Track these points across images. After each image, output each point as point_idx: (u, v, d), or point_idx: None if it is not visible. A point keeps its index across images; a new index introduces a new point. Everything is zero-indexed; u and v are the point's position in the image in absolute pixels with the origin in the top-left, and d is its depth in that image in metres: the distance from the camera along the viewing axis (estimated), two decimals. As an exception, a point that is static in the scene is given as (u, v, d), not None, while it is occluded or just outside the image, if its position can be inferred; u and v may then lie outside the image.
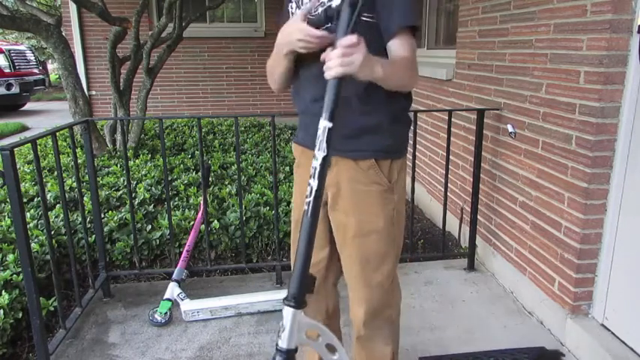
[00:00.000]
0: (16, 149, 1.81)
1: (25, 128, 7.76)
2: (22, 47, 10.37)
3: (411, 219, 2.85)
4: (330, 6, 1.29)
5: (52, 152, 3.65)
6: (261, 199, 3.03)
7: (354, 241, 1.43)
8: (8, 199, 1.84)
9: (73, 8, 6.39)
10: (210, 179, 3.24)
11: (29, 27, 3.43)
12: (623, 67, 1.84)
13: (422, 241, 3.23)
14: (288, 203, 3.03)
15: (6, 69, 9.11)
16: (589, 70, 1.92)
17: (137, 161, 3.70)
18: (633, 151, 1.85)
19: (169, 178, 3.32)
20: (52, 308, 2.19)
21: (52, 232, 2.48)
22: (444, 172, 2.79)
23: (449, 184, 3.04)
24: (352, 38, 1.06)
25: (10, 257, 2.31)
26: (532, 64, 2.30)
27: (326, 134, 1.08)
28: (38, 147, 2.14)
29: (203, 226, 2.61)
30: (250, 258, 2.83)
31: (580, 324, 2.05)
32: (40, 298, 1.97)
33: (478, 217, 2.81)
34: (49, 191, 3.04)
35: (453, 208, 3.26)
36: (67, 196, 2.77)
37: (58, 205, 2.91)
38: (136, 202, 2.93)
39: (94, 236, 2.58)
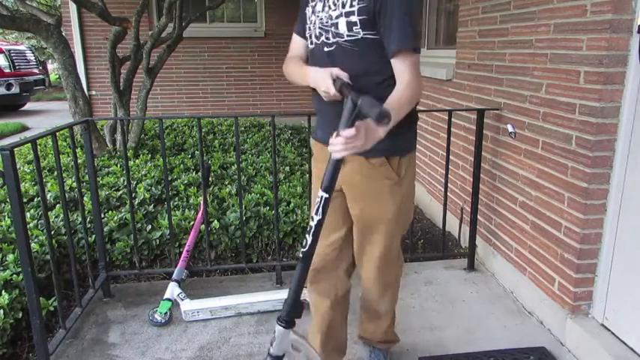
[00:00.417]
0: (16, 149, 1.81)
1: (25, 128, 7.76)
2: (22, 47, 10.37)
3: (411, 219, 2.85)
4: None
5: (52, 152, 3.66)
6: (261, 199, 3.03)
7: (368, 227, 1.67)
8: (8, 199, 1.84)
9: (73, 8, 6.39)
10: (210, 179, 3.24)
11: (29, 27, 3.43)
12: (623, 67, 1.84)
13: (422, 241, 3.23)
14: (288, 203, 3.03)
15: (6, 69, 9.11)
16: (589, 70, 1.92)
17: (137, 161, 3.70)
18: (633, 151, 1.85)
19: (169, 178, 3.32)
20: (52, 308, 2.19)
21: (52, 232, 2.48)
22: (444, 172, 2.79)
23: (449, 184, 3.04)
24: (352, 131, 1.24)
25: (10, 257, 2.31)
26: (532, 64, 2.30)
27: (322, 202, 1.36)
28: (38, 147, 2.14)
29: (203, 226, 2.61)
30: (250, 258, 2.83)
31: (580, 324, 2.05)
32: (40, 298, 1.97)
33: (478, 217, 2.81)
34: (49, 191, 3.04)
35: (453, 208, 3.26)
36: (67, 196, 2.77)
37: (58, 205, 2.91)
38: (136, 202, 2.93)
39: (94, 236, 2.58)
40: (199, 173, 3.22)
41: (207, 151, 4.18)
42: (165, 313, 2.32)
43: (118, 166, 3.55)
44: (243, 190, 3.16)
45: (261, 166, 3.74)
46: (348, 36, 1.51)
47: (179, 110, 7.07)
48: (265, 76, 7.14)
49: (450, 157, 2.84)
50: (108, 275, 2.57)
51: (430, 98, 3.69)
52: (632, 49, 1.81)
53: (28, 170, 3.45)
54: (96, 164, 3.42)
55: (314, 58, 1.64)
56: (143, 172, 3.41)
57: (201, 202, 2.60)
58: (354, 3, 1.47)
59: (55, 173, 3.24)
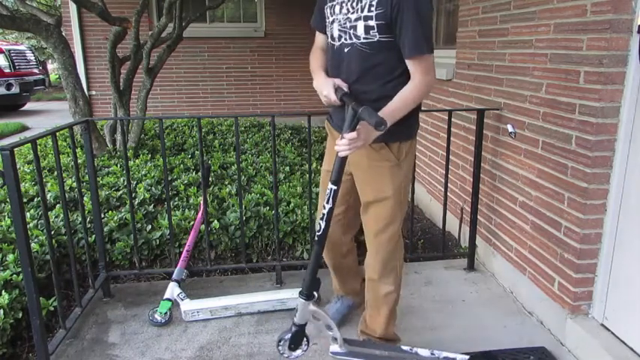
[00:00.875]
0: (16, 149, 1.81)
1: (25, 128, 7.75)
2: (22, 47, 10.36)
3: (411, 219, 2.85)
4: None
5: (52, 152, 3.66)
6: (261, 199, 3.03)
7: (371, 204, 1.86)
8: (8, 199, 1.84)
9: (73, 8, 6.39)
10: (210, 179, 3.24)
11: (29, 27, 3.43)
12: (623, 67, 1.84)
13: (422, 241, 3.23)
14: (288, 203, 3.03)
15: (6, 69, 9.10)
16: (589, 70, 1.92)
17: (137, 161, 3.70)
18: (633, 151, 1.85)
19: (169, 178, 3.32)
20: (52, 308, 2.19)
21: (52, 232, 2.48)
22: (444, 172, 2.79)
23: (449, 184, 3.04)
24: (353, 135, 1.55)
25: (10, 257, 2.31)
26: (532, 64, 2.30)
27: (332, 193, 1.66)
28: (38, 147, 2.14)
29: (203, 226, 2.61)
30: (250, 258, 2.83)
31: (580, 324, 2.05)
32: (40, 298, 1.97)
33: (478, 217, 2.81)
34: (49, 191, 3.04)
35: (452, 208, 3.26)
36: (67, 196, 2.77)
37: (58, 205, 2.91)
38: (136, 202, 2.93)
39: (94, 236, 2.58)
40: (199, 173, 3.23)
41: (207, 151, 4.18)
42: (165, 313, 2.32)
43: (118, 166, 3.55)
44: (243, 190, 3.16)
45: (261, 166, 3.74)
46: (364, 38, 1.65)
47: (179, 110, 7.07)
48: (265, 76, 7.15)
49: (450, 157, 2.84)
50: (108, 275, 2.57)
51: (430, 98, 3.69)
52: (632, 49, 1.81)
53: (28, 170, 3.45)
54: (96, 164, 3.43)
55: (333, 57, 1.81)
56: (143, 172, 3.41)
57: (201, 202, 2.60)
58: (373, 8, 1.60)
59: (55, 173, 3.24)
